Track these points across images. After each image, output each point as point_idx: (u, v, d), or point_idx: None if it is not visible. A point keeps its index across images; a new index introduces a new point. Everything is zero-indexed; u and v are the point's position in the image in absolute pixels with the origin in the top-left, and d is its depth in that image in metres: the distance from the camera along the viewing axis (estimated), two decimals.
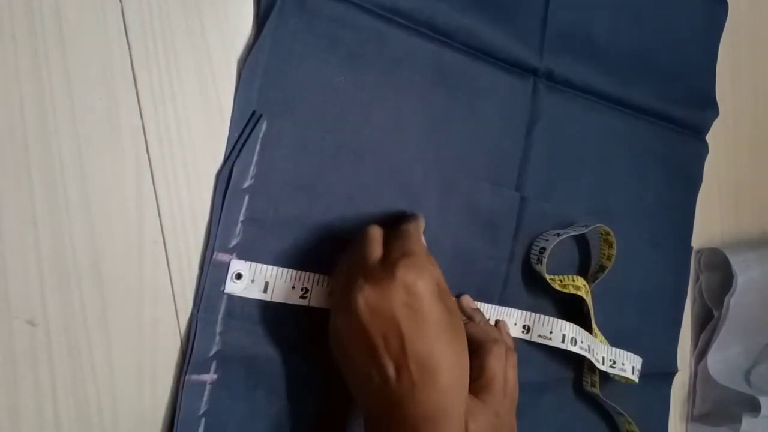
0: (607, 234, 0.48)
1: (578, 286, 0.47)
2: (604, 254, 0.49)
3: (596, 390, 0.49)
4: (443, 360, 0.32)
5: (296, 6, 0.37)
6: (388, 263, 0.33)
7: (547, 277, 0.46)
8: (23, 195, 0.31)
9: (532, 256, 0.47)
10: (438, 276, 0.33)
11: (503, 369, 0.39)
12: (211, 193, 0.36)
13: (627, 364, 0.50)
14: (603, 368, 0.48)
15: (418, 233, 0.36)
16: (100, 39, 0.33)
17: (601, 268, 0.49)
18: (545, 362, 0.48)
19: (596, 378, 0.49)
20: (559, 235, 0.46)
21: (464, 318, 0.42)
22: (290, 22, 0.37)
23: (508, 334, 0.44)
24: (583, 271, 0.50)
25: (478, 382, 0.38)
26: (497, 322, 0.44)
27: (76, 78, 0.33)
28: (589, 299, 0.48)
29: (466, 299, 0.43)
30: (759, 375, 0.56)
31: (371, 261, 0.33)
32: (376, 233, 0.36)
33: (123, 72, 0.34)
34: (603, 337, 0.49)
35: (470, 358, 0.37)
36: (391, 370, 0.31)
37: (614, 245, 0.48)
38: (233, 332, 0.36)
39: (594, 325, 0.48)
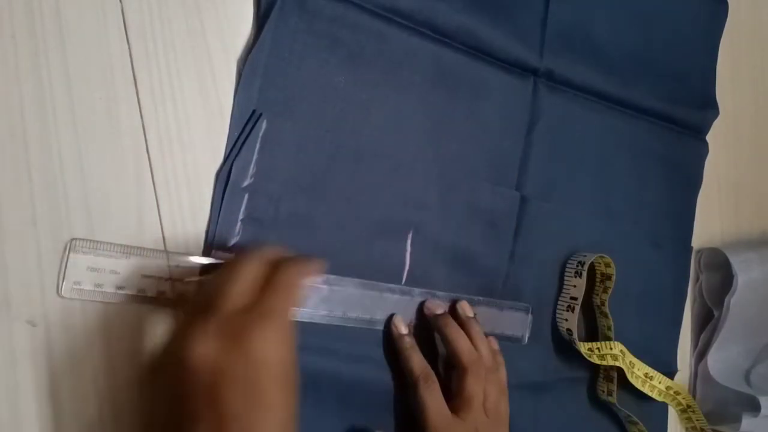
0: (607, 266, 0.49)
1: (615, 355, 0.47)
2: (599, 289, 0.49)
3: (612, 399, 0.49)
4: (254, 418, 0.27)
5: (296, 6, 0.37)
6: (246, 319, 0.28)
7: (584, 348, 0.46)
8: (23, 195, 0.31)
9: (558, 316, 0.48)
10: (293, 345, 0.29)
11: (482, 387, 0.39)
12: (211, 192, 0.36)
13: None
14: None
15: (294, 283, 0.31)
16: (100, 39, 0.33)
17: (602, 302, 0.49)
18: (545, 361, 0.48)
19: (614, 387, 0.49)
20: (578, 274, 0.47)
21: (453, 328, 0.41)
22: (290, 22, 0.37)
23: (496, 350, 0.43)
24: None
25: (456, 400, 0.38)
26: (487, 336, 0.42)
27: (76, 78, 0.33)
28: (626, 365, 0.48)
29: (463, 306, 0.42)
30: (759, 375, 0.56)
31: (231, 305, 0.29)
32: (253, 271, 0.30)
33: (123, 72, 0.34)
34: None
35: (451, 375, 0.39)
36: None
37: (613, 277, 0.48)
38: None
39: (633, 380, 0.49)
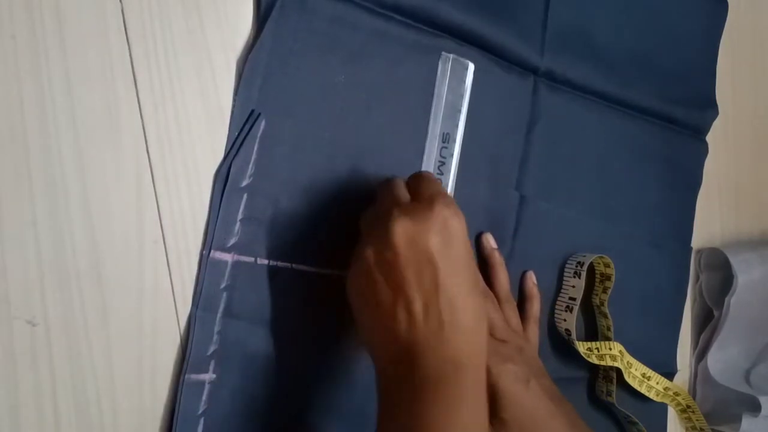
0: (606, 266, 0.49)
1: (614, 355, 0.48)
2: (599, 289, 0.50)
3: (612, 399, 0.49)
4: (470, 302, 0.31)
5: (296, 5, 0.37)
6: (424, 200, 0.32)
7: (583, 348, 0.46)
8: (23, 195, 0.31)
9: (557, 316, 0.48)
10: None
11: (499, 314, 0.42)
12: (210, 192, 0.36)
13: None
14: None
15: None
16: (100, 39, 0.33)
17: (602, 303, 0.49)
18: (543, 361, 0.48)
19: (613, 387, 0.49)
20: (578, 275, 0.47)
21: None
22: (290, 21, 0.37)
23: (507, 289, 0.44)
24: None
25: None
26: (499, 273, 0.45)
27: (76, 78, 0.33)
28: (624, 365, 0.48)
29: (488, 238, 0.44)
30: (759, 375, 0.56)
31: (404, 199, 0.34)
32: (399, 181, 0.36)
33: (123, 72, 0.34)
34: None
35: None
36: (419, 307, 0.30)
37: (612, 277, 0.48)
38: (232, 331, 0.36)
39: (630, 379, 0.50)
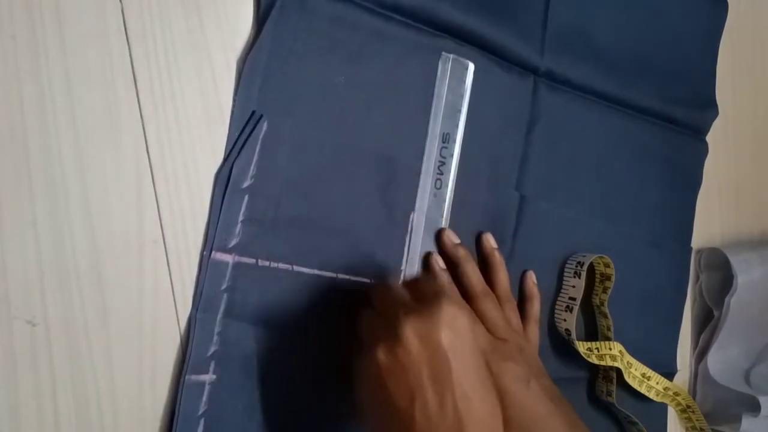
0: (606, 266, 0.49)
1: (614, 355, 0.48)
2: (599, 289, 0.50)
3: (612, 399, 0.49)
4: (484, 394, 0.32)
5: (296, 5, 0.37)
6: (428, 297, 0.33)
7: (583, 348, 0.46)
8: (23, 195, 0.31)
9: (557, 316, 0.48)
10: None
11: (499, 313, 0.41)
12: (211, 192, 0.36)
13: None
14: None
15: (446, 277, 0.39)
16: (100, 39, 0.33)
17: (602, 302, 0.49)
18: (543, 361, 0.48)
19: (613, 387, 0.49)
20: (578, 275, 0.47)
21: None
22: (290, 21, 0.37)
23: (507, 288, 0.44)
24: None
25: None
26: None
27: (76, 78, 0.33)
28: (624, 365, 0.48)
29: (488, 237, 0.45)
30: (759, 375, 0.56)
31: (406, 299, 0.34)
32: (394, 282, 0.37)
33: (123, 72, 0.34)
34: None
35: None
36: (436, 405, 0.31)
37: (612, 277, 0.48)
38: (232, 332, 0.36)
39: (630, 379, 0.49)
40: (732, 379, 0.55)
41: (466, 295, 0.41)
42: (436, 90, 0.43)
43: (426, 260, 0.43)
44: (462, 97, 0.43)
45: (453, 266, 0.43)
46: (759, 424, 0.53)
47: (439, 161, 0.43)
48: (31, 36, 0.32)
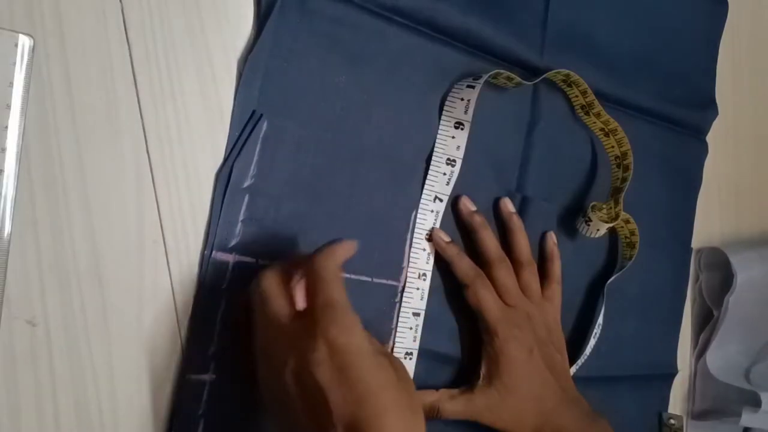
0: (632, 234, 0.49)
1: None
2: (626, 255, 0.50)
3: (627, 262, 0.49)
4: (388, 422, 0.27)
5: (297, 6, 0.37)
6: (307, 320, 0.29)
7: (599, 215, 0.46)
8: (23, 195, 0.31)
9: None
10: (360, 324, 0.30)
11: (513, 280, 0.42)
12: (211, 192, 0.36)
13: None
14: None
15: (335, 272, 0.31)
16: (100, 39, 0.33)
17: (621, 267, 0.50)
18: None
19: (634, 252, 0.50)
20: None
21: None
22: (291, 21, 0.37)
23: (527, 251, 0.44)
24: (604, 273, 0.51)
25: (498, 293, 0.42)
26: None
27: (76, 78, 0.33)
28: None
29: (505, 202, 0.45)
30: (758, 373, 0.56)
31: (283, 320, 0.30)
32: (272, 288, 0.31)
33: (123, 72, 0.34)
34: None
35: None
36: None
37: (636, 245, 0.49)
38: (232, 331, 0.36)
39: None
40: (732, 377, 0.55)
41: (482, 262, 0.42)
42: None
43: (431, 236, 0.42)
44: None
45: (469, 233, 0.43)
46: (759, 419, 0.53)
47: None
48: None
